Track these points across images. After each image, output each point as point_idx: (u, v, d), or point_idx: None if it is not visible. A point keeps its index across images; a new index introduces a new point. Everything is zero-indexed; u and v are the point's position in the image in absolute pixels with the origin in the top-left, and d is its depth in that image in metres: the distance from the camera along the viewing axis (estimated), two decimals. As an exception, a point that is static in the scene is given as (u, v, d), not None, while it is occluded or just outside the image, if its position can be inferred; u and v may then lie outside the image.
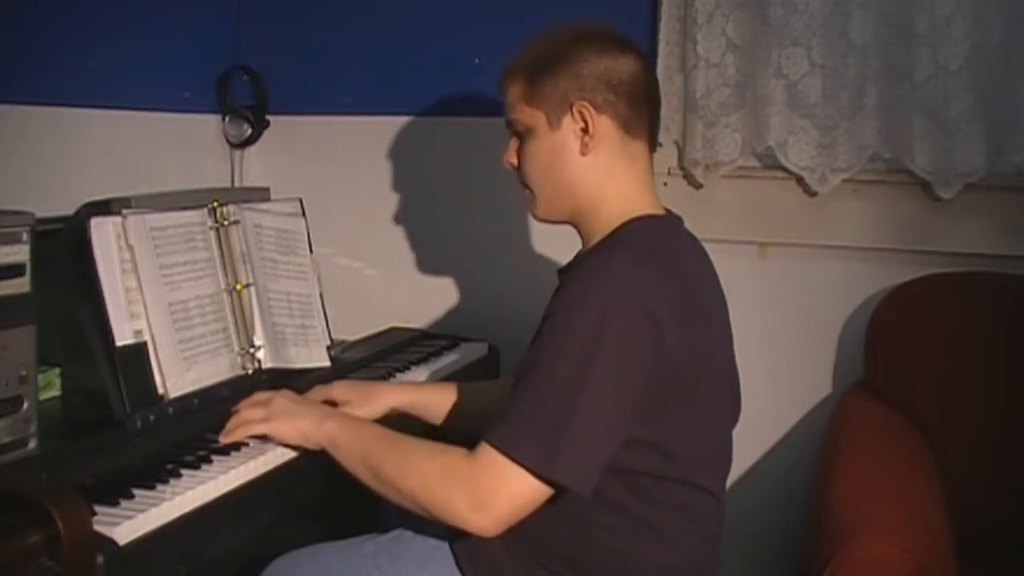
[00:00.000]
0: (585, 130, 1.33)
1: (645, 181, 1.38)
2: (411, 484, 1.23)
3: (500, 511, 1.18)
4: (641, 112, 1.35)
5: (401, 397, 1.60)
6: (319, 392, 1.56)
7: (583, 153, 1.34)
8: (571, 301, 1.23)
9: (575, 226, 1.41)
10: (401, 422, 1.57)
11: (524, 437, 1.17)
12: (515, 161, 1.40)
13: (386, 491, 1.27)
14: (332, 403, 1.54)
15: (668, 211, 1.41)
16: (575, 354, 1.18)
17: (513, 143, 1.40)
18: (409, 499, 1.24)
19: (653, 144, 1.40)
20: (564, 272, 1.38)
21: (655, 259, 1.26)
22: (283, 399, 1.43)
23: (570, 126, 1.33)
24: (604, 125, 1.33)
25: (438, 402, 1.61)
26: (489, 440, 1.19)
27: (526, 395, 1.20)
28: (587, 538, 1.28)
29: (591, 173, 1.34)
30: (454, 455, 1.22)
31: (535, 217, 1.43)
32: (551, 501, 1.21)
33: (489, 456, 1.18)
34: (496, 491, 1.18)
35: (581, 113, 1.32)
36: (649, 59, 1.38)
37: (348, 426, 1.35)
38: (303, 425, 1.37)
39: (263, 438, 1.40)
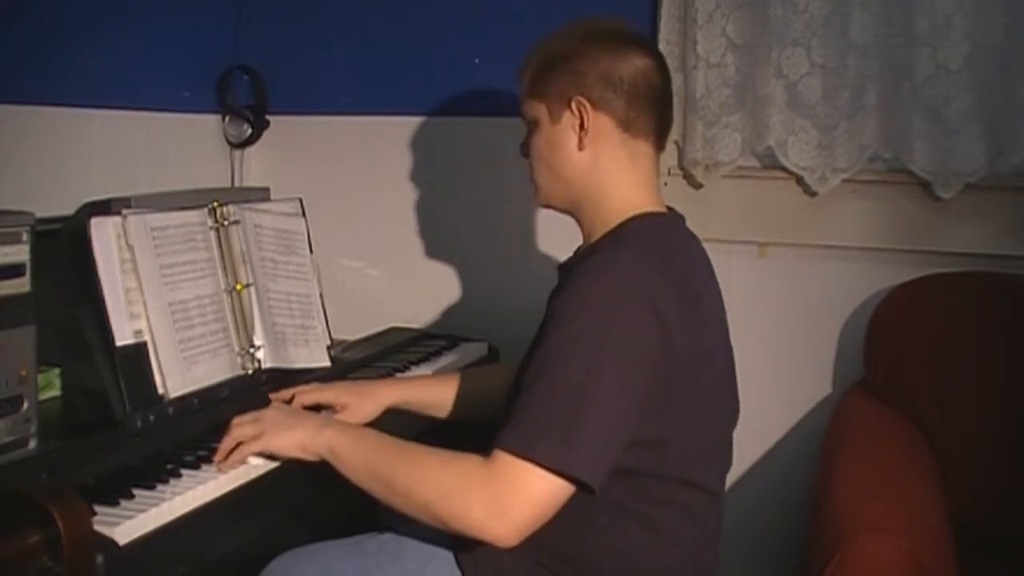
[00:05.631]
0: (582, 126, 1.34)
1: (647, 179, 1.38)
2: (425, 495, 1.20)
3: (520, 517, 1.16)
4: (643, 111, 1.35)
5: (397, 394, 1.59)
6: (313, 392, 1.54)
7: (580, 148, 1.35)
8: (576, 299, 1.22)
9: (575, 218, 1.42)
10: (399, 418, 1.57)
11: (538, 437, 1.16)
12: (524, 152, 1.43)
13: (396, 502, 1.24)
14: (328, 407, 1.53)
15: (670, 209, 1.41)
16: (583, 352, 1.17)
17: (527, 135, 1.43)
18: (422, 510, 1.21)
19: (661, 143, 1.39)
20: (565, 268, 1.39)
21: (658, 257, 1.26)
22: (274, 411, 1.39)
23: (569, 121, 1.35)
24: (601, 122, 1.34)
25: (434, 395, 1.60)
26: (503, 445, 1.17)
27: (536, 395, 1.19)
28: (586, 537, 1.28)
29: (588, 168, 1.35)
30: (469, 462, 1.19)
31: (534, 204, 1.45)
32: None
33: (505, 461, 1.16)
34: (515, 496, 1.15)
35: (578, 109, 1.33)
36: (661, 57, 1.38)
37: (348, 434, 1.32)
38: (298, 436, 1.32)
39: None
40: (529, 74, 1.39)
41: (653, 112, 1.36)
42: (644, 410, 1.21)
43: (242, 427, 1.35)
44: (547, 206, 1.44)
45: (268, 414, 1.37)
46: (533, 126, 1.40)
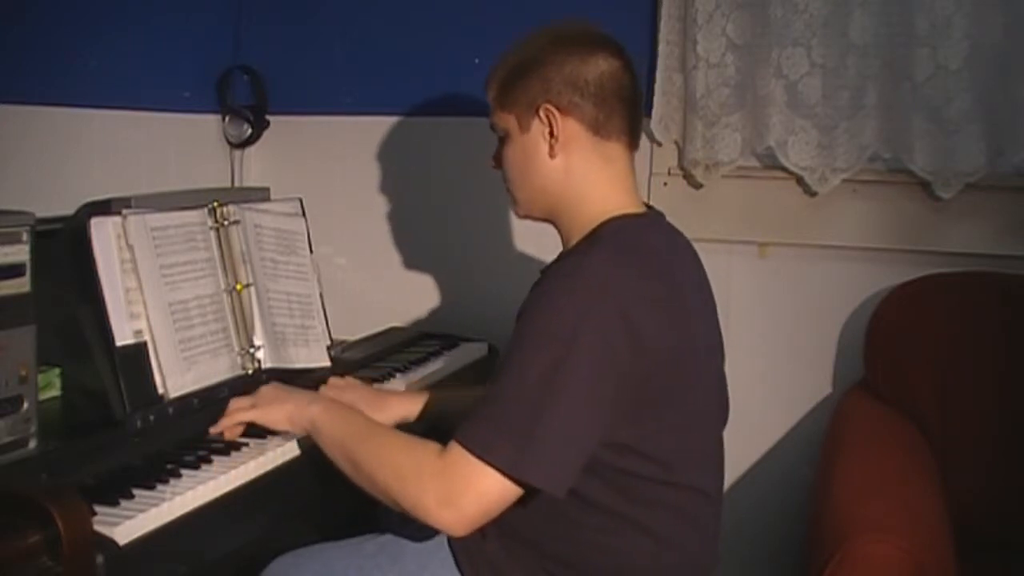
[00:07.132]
0: (552, 133, 1.33)
1: (623, 180, 1.37)
2: (384, 476, 1.23)
3: (469, 510, 1.17)
4: (612, 112, 1.33)
5: (409, 409, 1.60)
6: (345, 388, 1.58)
7: (552, 156, 1.34)
8: (547, 300, 1.22)
9: (554, 225, 1.41)
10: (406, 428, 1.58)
11: (494, 437, 1.17)
12: (495, 163, 1.43)
13: (361, 480, 1.26)
14: None
15: (650, 208, 1.40)
16: (548, 354, 1.17)
17: (497, 146, 1.42)
18: (382, 491, 1.23)
19: (634, 143, 1.38)
20: (545, 271, 1.38)
21: (634, 258, 1.26)
22: (270, 387, 1.45)
23: (538, 129, 1.34)
24: (571, 127, 1.33)
25: (446, 411, 1.60)
26: (459, 439, 1.18)
27: (498, 394, 1.19)
28: (580, 539, 1.28)
29: (561, 175, 1.35)
30: (427, 451, 1.21)
31: (514, 214, 1.45)
32: (542, 503, 1.21)
33: (459, 455, 1.17)
34: (465, 490, 1.17)
35: (547, 116, 1.33)
36: (628, 57, 1.36)
37: (331, 412, 1.36)
38: (288, 409, 1.38)
39: (262, 436, 1.40)
40: (495, 86, 1.38)
41: (624, 112, 1.35)
42: (615, 414, 1.20)
43: (239, 399, 1.44)
44: (527, 216, 1.43)
45: (263, 390, 1.45)
46: (504, 137, 1.39)
